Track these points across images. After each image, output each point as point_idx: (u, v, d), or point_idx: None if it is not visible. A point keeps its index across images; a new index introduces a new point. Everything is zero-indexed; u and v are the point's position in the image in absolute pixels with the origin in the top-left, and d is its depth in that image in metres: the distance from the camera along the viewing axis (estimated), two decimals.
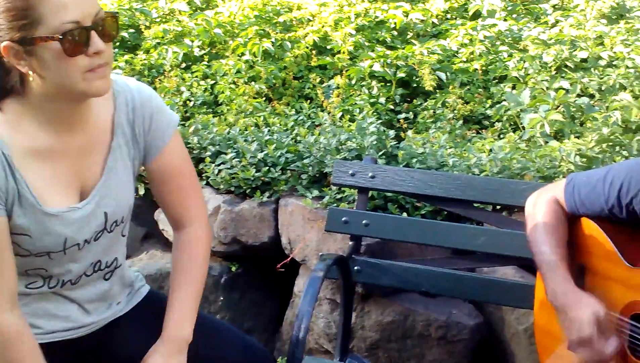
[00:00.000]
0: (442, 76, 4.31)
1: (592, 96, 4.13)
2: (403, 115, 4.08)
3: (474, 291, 2.72)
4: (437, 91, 4.30)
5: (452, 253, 2.98)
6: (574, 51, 4.56)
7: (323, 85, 4.36)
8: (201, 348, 1.98)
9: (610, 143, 3.30)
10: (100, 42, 1.64)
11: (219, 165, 3.51)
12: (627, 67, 4.36)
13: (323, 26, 4.84)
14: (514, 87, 4.26)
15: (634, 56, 4.41)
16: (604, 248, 2.04)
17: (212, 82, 4.45)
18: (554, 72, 4.37)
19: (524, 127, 3.79)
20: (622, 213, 2.00)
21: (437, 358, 3.11)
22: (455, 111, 4.06)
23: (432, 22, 5.19)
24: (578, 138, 3.52)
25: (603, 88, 4.17)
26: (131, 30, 5.25)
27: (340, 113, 3.96)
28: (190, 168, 2.02)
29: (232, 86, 4.32)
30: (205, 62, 4.70)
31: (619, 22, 5.17)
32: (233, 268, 3.57)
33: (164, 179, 1.96)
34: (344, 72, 4.39)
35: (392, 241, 3.03)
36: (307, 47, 4.60)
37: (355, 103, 4.05)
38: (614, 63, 4.47)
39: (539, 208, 2.15)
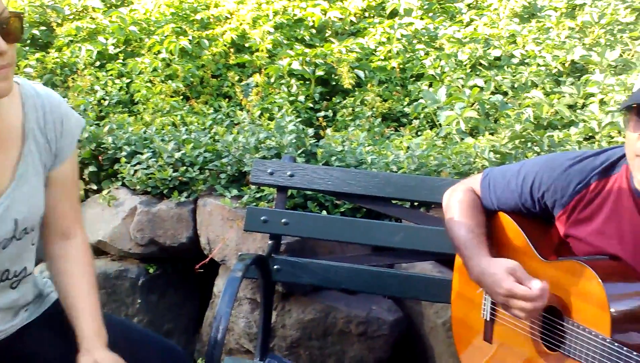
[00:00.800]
0: (361, 74, 4.34)
1: (505, 94, 4.23)
2: (322, 113, 4.09)
3: (393, 287, 2.73)
4: (356, 89, 4.32)
5: (372, 250, 2.99)
6: (488, 49, 4.67)
7: (242, 83, 4.32)
8: (118, 354, 1.93)
9: (523, 139, 3.38)
10: (2, 42, 1.58)
11: (135, 165, 3.44)
12: (538, 65, 4.49)
13: (241, 24, 4.80)
14: (430, 85, 4.33)
15: (545, 54, 4.54)
16: (519, 242, 2.08)
17: (128, 80, 4.36)
18: (469, 70, 4.46)
19: (440, 125, 3.85)
20: (535, 207, 2.05)
21: (357, 354, 3.12)
22: (374, 109, 4.09)
23: (351, 21, 5.22)
24: (492, 134, 3.60)
25: (516, 86, 4.28)
26: (42, 28, 5.09)
27: (260, 112, 3.94)
28: (78, 175, 2.01)
29: (149, 84, 4.24)
30: (121, 61, 4.61)
31: (531, 21, 5.32)
32: (151, 270, 3.49)
33: (64, 185, 1.91)
34: (262, 70, 4.36)
35: (312, 239, 3.03)
36: (225, 45, 4.56)
37: (275, 101, 4.03)
38: (526, 61, 4.59)
39: (456, 197, 2.20)
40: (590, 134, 3.55)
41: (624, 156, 1.90)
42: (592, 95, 3.98)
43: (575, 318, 1.85)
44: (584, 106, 3.99)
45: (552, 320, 1.93)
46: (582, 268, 1.83)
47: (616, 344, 1.71)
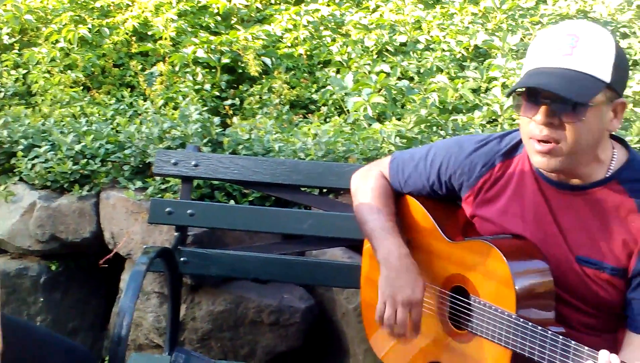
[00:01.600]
0: (268, 61, 4.30)
1: (411, 79, 4.27)
2: (229, 101, 4.02)
3: (303, 275, 2.73)
4: (263, 76, 4.28)
5: (282, 238, 2.97)
6: (394, 35, 4.70)
7: (145, 72, 4.21)
8: (19, 358, 1.84)
9: (428, 124, 3.41)
10: None
11: (32, 159, 3.29)
12: (442, 50, 4.55)
13: (143, 12, 4.67)
14: (338, 72, 4.32)
15: (449, 39, 4.61)
16: (426, 224, 2.10)
17: (24, 71, 4.19)
18: (375, 56, 4.48)
19: (348, 111, 3.85)
20: (442, 189, 2.08)
21: (270, 344, 3.10)
22: (282, 96, 4.06)
23: (256, 7, 5.16)
24: (399, 119, 3.62)
25: (421, 71, 4.33)
26: None
27: (164, 101, 3.84)
28: None
29: (47, 75, 4.08)
30: (16, 51, 4.41)
31: (435, 7, 5.39)
32: (53, 267, 3.36)
33: None
34: (166, 58, 4.26)
35: (219, 229, 2.98)
36: (127, 34, 4.43)
37: (180, 90, 3.95)
38: (431, 47, 4.65)
39: (366, 182, 2.20)
40: (493, 117, 3.62)
41: None
42: (495, 79, 4.06)
43: (481, 297, 1.87)
44: (487, 90, 4.06)
45: (459, 299, 1.95)
46: (487, 247, 1.86)
47: (521, 320, 1.74)
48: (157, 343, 3.16)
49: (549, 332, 1.69)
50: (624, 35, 5.28)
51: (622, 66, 1.74)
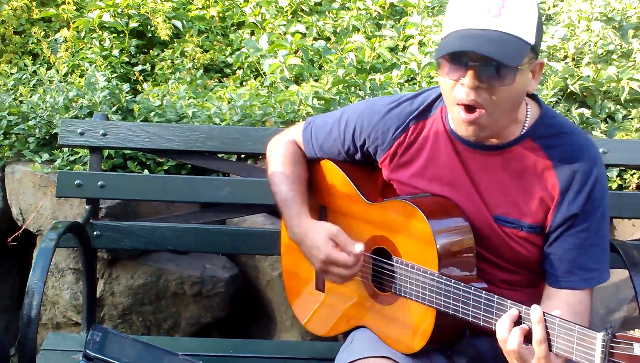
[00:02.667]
0: (179, 24, 4.13)
1: (328, 39, 4.19)
2: (140, 67, 3.86)
3: (223, 243, 2.67)
4: (175, 40, 4.12)
5: (200, 207, 2.89)
6: None
7: (49, 39, 4.00)
8: None
9: (346, 84, 3.36)
10: None
11: None
12: (358, 9, 4.48)
13: None
14: (252, 33, 4.21)
15: None
16: (344, 188, 2.06)
17: None
18: (290, 17, 4.37)
19: (264, 74, 3.76)
20: (357, 153, 2.04)
21: (194, 315, 3.05)
22: (195, 61, 3.92)
23: None
24: (317, 80, 3.55)
25: (338, 31, 4.25)
26: None
27: (70, 69, 3.66)
28: None
29: None
30: None
31: None
32: None
33: None
34: (71, 24, 4.05)
35: (134, 201, 2.89)
36: None
37: (86, 57, 3.77)
38: (346, 5, 4.57)
39: (277, 149, 2.15)
40: (411, 75, 3.59)
41: (439, 97, 1.91)
42: (412, 37, 4.03)
43: (403, 257, 1.85)
44: (404, 48, 4.03)
45: (381, 261, 1.92)
46: (407, 207, 1.84)
47: (444, 278, 1.73)
48: (76, 320, 3.08)
49: (472, 288, 1.68)
50: None
51: (541, 26, 1.73)
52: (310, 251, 1.93)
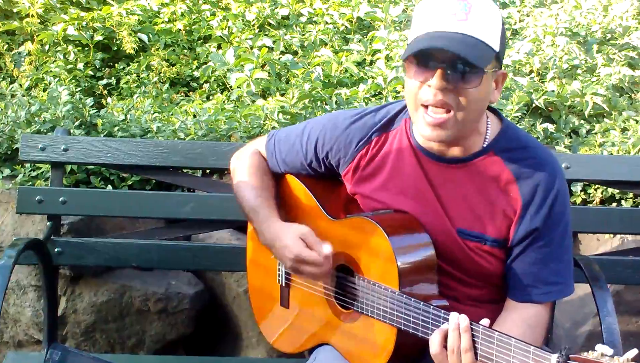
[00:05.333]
0: (144, 37, 4.11)
1: (295, 53, 4.19)
2: (105, 81, 3.82)
3: (188, 260, 2.66)
4: (141, 53, 4.09)
5: (165, 223, 2.86)
6: (276, 8, 4.60)
7: (12, 53, 3.95)
8: None
9: (312, 99, 3.36)
10: None
11: None
12: (326, 23, 4.49)
13: None
14: (219, 47, 4.19)
15: (332, 12, 4.55)
16: (308, 203, 2.05)
17: None
18: (257, 30, 4.37)
19: (231, 87, 3.75)
20: (320, 167, 2.03)
21: (159, 332, 3.01)
22: (161, 74, 3.90)
23: None
24: (283, 95, 3.55)
25: (305, 45, 4.25)
26: None
27: (34, 83, 3.61)
28: None
29: None
30: None
31: None
32: None
33: None
34: (35, 37, 4.01)
35: (97, 217, 2.84)
36: None
37: (50, 71, 3.72)
38: (314, 19, 4.57)
39: (242, 161, 2.14)
40: (377, 90, 3.60)
41: (402, 110, 1.91)
42: (379, 51, 4.04)
43: (365, 274, 1.84)
44: (371, 62, 4.04)
45: (344, 278, 1.90)
46: (369, 224, 1.83)
47: (404, 296, 1.72)
48: (38, 338, 3.03)
49: (431, 307, 1.68)
50: (504, 5, 5.39)
51: (504, 36, 1.74)
52: (282, 251, 1.91)
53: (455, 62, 1.64)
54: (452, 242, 1.82)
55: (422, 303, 1.69)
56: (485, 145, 1.81)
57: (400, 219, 1.85)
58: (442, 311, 1.66)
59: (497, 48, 1.69)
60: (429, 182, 1.84)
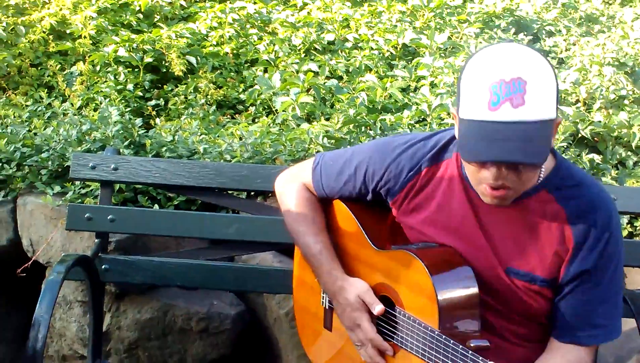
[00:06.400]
0: (193, 60, 4.19)
1: (340, 78, 4.23)
2: (153, 102, 3.90)
3: (231, 281, 2.66)
4: (189, 76, 4.17)
5: (209, 243, 2.89)
6: (322, 33, 4.66)
7: (64, 72, 4.05)
8: None
9: (356, 124, 3.37)
10: None
11: None
12: (371, 48, 4.52)
13: (61, 9, 4.49)
14: (265, 71, 4.25)
15: (377, 38, 4.59)
16: (353, 230, 2.04)
17: None
18: (303, 55, 4.42)
19: (276, 111, 3.79)
20: (368, 195, 2.00)
21: (200, 352, 3.02)
22: (208, 96, 3.96)
23: (180, 5, 5.03)
24: (328, 119, 3.57)
25: (350, 70, 4.29)
26: None
27: (85, 102, 3.70)
28: None
29: None
30: None
31: (363, 5, 5.36)
32: None
33: None
34: (86, 58, 4.11)
35: (144, 235, 2.88)
36: (44, 32, 4.25)
37: (101, 91, 3.81)
38: (359, 45, 4.61)
39: (292, 198, 2.12)
40: (421, 117, 3.61)
41: (452, 139, 1.87)
42: (423, 78, 4.05)
43: (406, 309, 1.82)
44: (416, 89, 4.05)
45: (386, 310, 1.89)
46: (411, 259, 1.80)
47: (444, 337, 1.69)
48: (82, 354, 3.06)
49: (469, 352, 1.63)
50: (550, 34, 5.37)
51: (559, 92, 1.68)
52: (343, 309, 1.93)
53: (514, 164, 1.62)
54: (499, 280, 1.80)
55: (460, 346, 1.65)
56: (538, 183, 1.76)
57: (444, 255, 1.83)
58: (481, 358, 1.60)
59: (554, 114, 1.63)
60: (477, 219, 1.81)
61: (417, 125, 3.52)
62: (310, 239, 2.04)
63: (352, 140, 3.20)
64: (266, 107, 3.95)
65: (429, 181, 1.89)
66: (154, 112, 3.78)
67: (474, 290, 1.77)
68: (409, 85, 4.08)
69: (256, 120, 3.82)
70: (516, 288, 1.79)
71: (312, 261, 2.04)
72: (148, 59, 4.03)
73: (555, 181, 1.77)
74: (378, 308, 1.87)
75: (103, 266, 2.59)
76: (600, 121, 3.53)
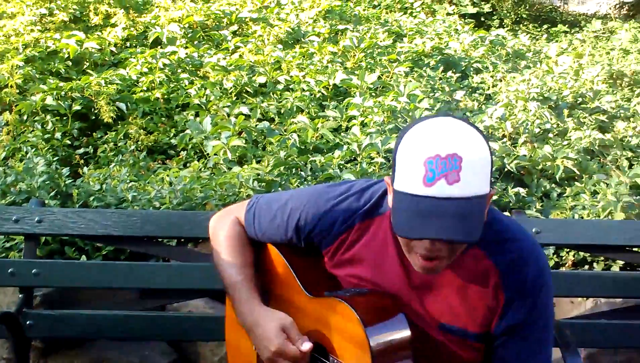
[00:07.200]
0: (123, 106, 4.15)
1: (272, 120, 4.24)
2: (82, 150, 3.84)
3: (164, 330, 2.59)
4: (119, 122, 4.13)
5: (140, 293, 2.83)
6: (253, 76, 4.68)
7: None
8: None
9: (287, 166, 3.38)
10: None
11: None
12: (302, 90, 4.56)
13: None
14: (197, 115, 4.24)
15: (309, 79, 4.63)
16: (286, 276, 2.01)
17: None
18: (234, 98, 4.43)
19: (208, 155, 3.77)
20: (300, 243, 1.98)
21: None
22: (139, 142, 3.93)
23: (111, 51, 5.00)
24: (259, 162, 3.57)
25: (282, 111, 4.31)
26: None
27: (10, 153, 3.62)
28: None
29: None
30: None
31: (295, 47, 5.42)
32: None
33: None
34: (13, 107, 4.03)
35: (71, 288, 2.81)
36: None
37: (28, 140, 3.74)
38: (290, 87, 4.65)
39: (222, 230, 2.08)
40: (352, 156, 3.64)
41: (386, 192, 1.86)
42: (354, 118, 4.10)
43: (339, 357, 1.81)
44: (347, 128, 4.09)
45: (318, 358, 1.87)
46: (344, 307, 1.78)
47: None
48: None
49: None
50: (477, 70, 5.50)
51: (493, 166, 1.69)
52: (261, 341, 1.87)
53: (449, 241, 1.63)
54: (431, 335, 1.80)
55: None
56: None
57: (377, 303, 1.82)
58: None
59: (488, 188, 1.64)
60: (410, 282, 1.81)
61: (347, 165, 3.55)
62: (233, 270, 1.99)
63: (283, 182, 3.21)
64: (197, 151, 3.93)
65: (361, 237, 1.87)
66: (82, 161, 3.72)
67: (406, 334, 1.76)
68: (340, 125, 4.12)
69: (187, 165, 3.79)
70: (449, 342, 1.79)
71: (230, 292, 1.99)
72: (77, 107, 3.98)
73: (487, 237, 1.75)
74: (306, 345, 1.83)
75: (28, 322, 2.50)
76: (525, 155, 3.62)
